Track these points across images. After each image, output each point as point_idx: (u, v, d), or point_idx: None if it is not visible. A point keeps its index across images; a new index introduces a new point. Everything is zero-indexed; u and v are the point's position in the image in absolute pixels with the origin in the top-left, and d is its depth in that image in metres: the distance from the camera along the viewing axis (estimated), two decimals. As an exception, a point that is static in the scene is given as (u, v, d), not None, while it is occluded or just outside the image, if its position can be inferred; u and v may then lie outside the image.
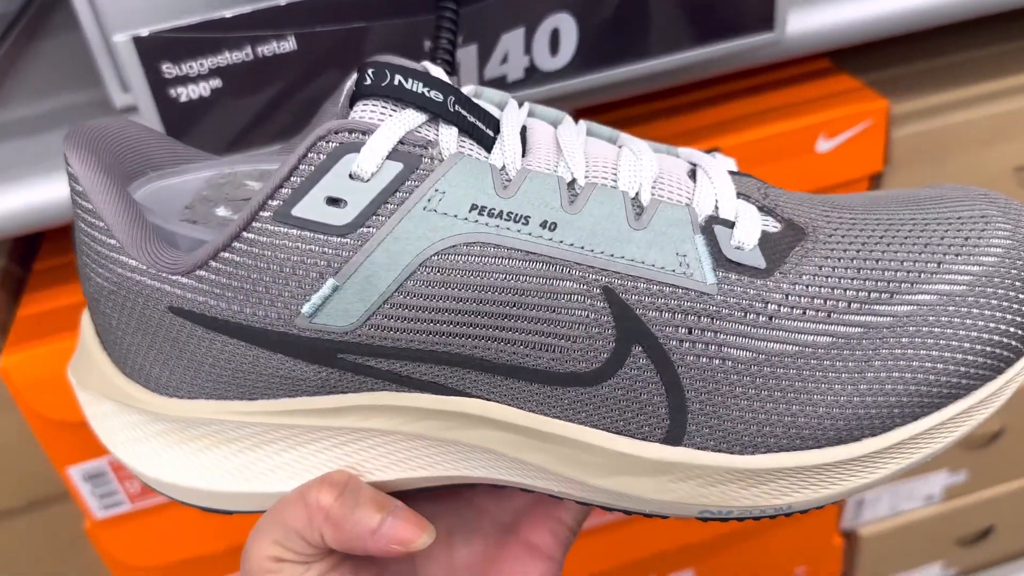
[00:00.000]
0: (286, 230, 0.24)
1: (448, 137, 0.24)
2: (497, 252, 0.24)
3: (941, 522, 0.68)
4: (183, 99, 0.34)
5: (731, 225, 0.25)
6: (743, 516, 0.27)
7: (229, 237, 0.24)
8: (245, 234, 0.24)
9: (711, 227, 0.25)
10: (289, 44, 0.34)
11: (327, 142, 0.23)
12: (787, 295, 0.24)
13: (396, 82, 0.24)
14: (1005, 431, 0.64)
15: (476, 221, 0.24)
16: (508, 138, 0.25)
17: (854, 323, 0.25)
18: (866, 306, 0.25)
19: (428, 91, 0.24)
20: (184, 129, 0.35)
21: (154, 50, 0.33)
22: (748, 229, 0.25)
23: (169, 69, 0.34)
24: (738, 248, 0.25)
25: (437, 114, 0.24)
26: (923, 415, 0.25)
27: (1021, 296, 0.25)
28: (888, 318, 0.25)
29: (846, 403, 0.25)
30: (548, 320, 0.24)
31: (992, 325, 0.25)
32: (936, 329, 0.25)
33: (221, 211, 0.28)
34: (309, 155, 0.23)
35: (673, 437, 0.25)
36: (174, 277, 0.25)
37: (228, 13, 0.33)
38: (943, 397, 0.25)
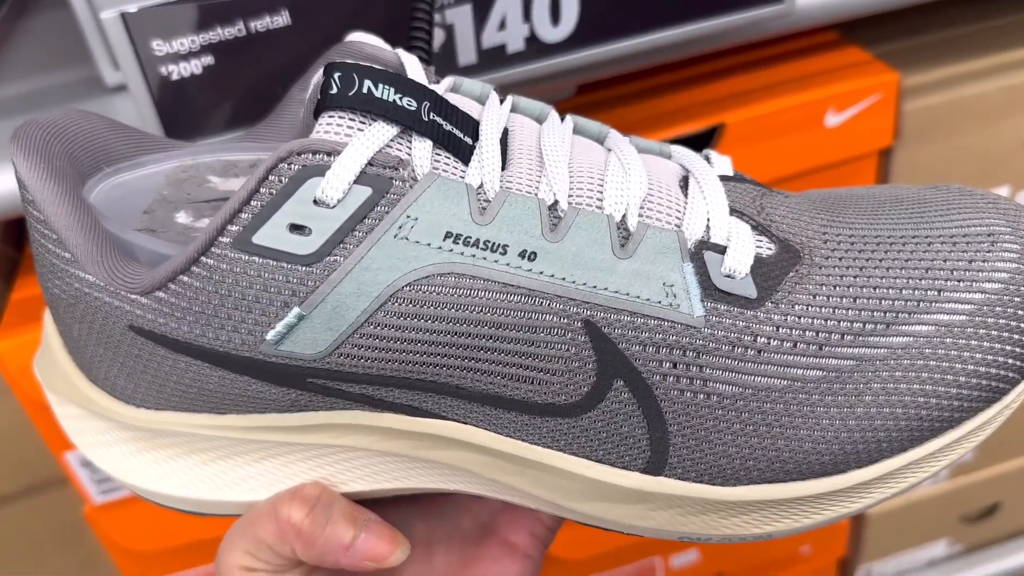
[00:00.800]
0: (247, 258, 0.22)
1: (421, 153, 0.22)
2: (473, 284, 0.22)
3: (947, 499, 0.67)
4: (174, 77, 0.33)
5: (722, 250, 0.24)
6: (723, 541, 0.26)
7: (187, 261, 0.22)
8: (204, 259, 0.22)
9: (701, 254, 0.23)
10: (283, 19, 0.33)
11: (289, 165, 0.21)
12: (778, 327, 0.23)
13: (365, 89, 0.22)
14: (1013, 408, 0.63)
15: (451, 250, 0.22)
16: (487, 149, 0.23)
17: (846, 356, 0.23)
18: (860, 338, 0.23)
19: (400, 99, 0.22)
20: (176, 108, 0.34)
21: (143, 27, 0.32)
22: (740, 255, 0.24)
23: (159, 46, 0.32)
24: (728, 276, 0.23)
25: (409, 126, 0.22)
26: (912, 447, 0.24)
27: (1022, 325, 0.24)
28: (883, 350, 0.23)
29: (833, 438, 0.24)
30: (526, 353, 0.23)
31: (990, 357, 0.24)
32: (932, 362, 0.23)
33: (181, 217, 0.27)
34: (270, 178, 0.22)
35: (654, 467, 0.24)
36: (132, 296, 0.23)
37: (219, -13, 0.32)
38: (934, 430, 0.24)
